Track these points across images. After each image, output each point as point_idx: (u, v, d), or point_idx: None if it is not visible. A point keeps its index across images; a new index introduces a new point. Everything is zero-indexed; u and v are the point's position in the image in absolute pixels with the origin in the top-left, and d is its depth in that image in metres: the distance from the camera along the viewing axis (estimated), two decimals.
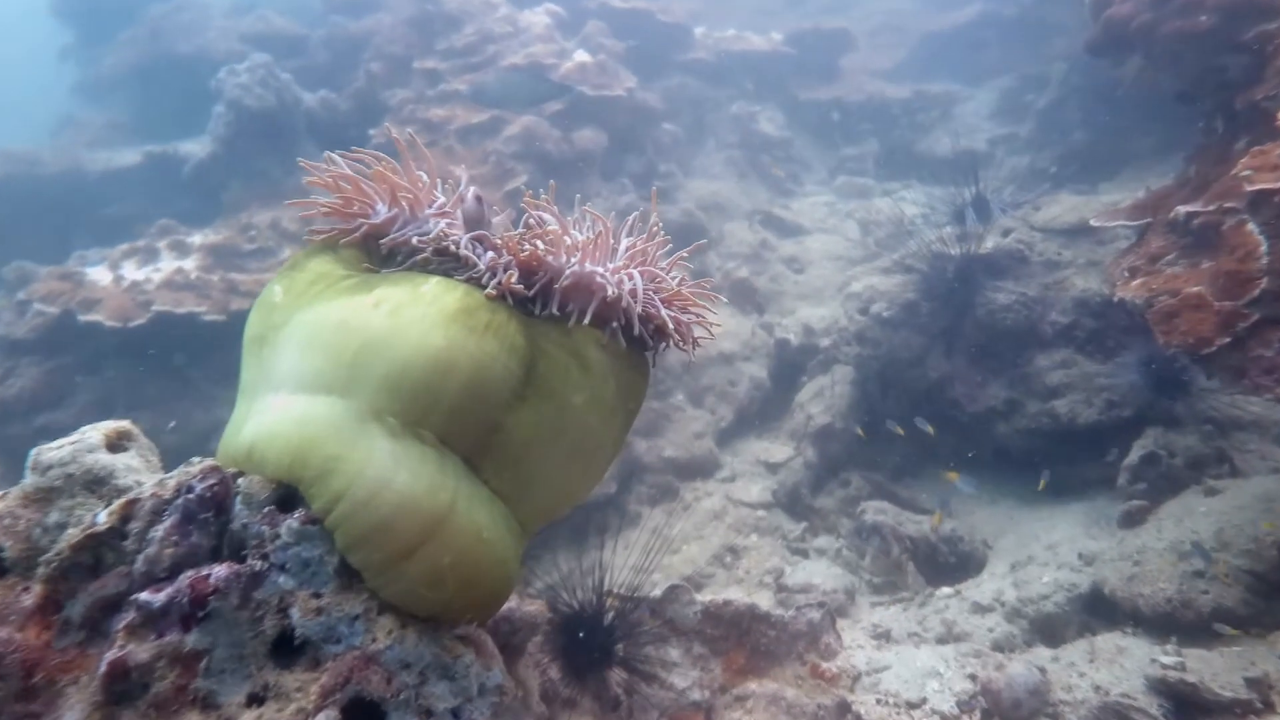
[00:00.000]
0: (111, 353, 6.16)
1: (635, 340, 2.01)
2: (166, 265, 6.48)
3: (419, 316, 1.79)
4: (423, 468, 1.74)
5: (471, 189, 2.04)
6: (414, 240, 1.99)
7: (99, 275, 6.35)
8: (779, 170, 8.99)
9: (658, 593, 3.83)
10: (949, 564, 4.74)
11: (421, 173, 2.15)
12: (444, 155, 7.27)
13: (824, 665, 3.69)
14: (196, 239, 6.86)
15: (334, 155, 2.17)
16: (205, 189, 8.06)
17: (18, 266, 6.86)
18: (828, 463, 5.65)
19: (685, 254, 2.23)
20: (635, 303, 1.96)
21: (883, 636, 4.11)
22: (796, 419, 5.85)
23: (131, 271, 6.40)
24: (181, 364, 5.87)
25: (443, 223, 2.02)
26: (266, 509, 1.71)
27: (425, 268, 2.01)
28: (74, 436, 1.84)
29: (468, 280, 1.91)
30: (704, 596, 4.01)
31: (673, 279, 2.17)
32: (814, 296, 6.92)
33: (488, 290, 1.86)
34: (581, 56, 8.05)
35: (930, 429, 5.02)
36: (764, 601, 4.22)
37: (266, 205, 7.58)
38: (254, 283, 6.40)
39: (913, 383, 5.47)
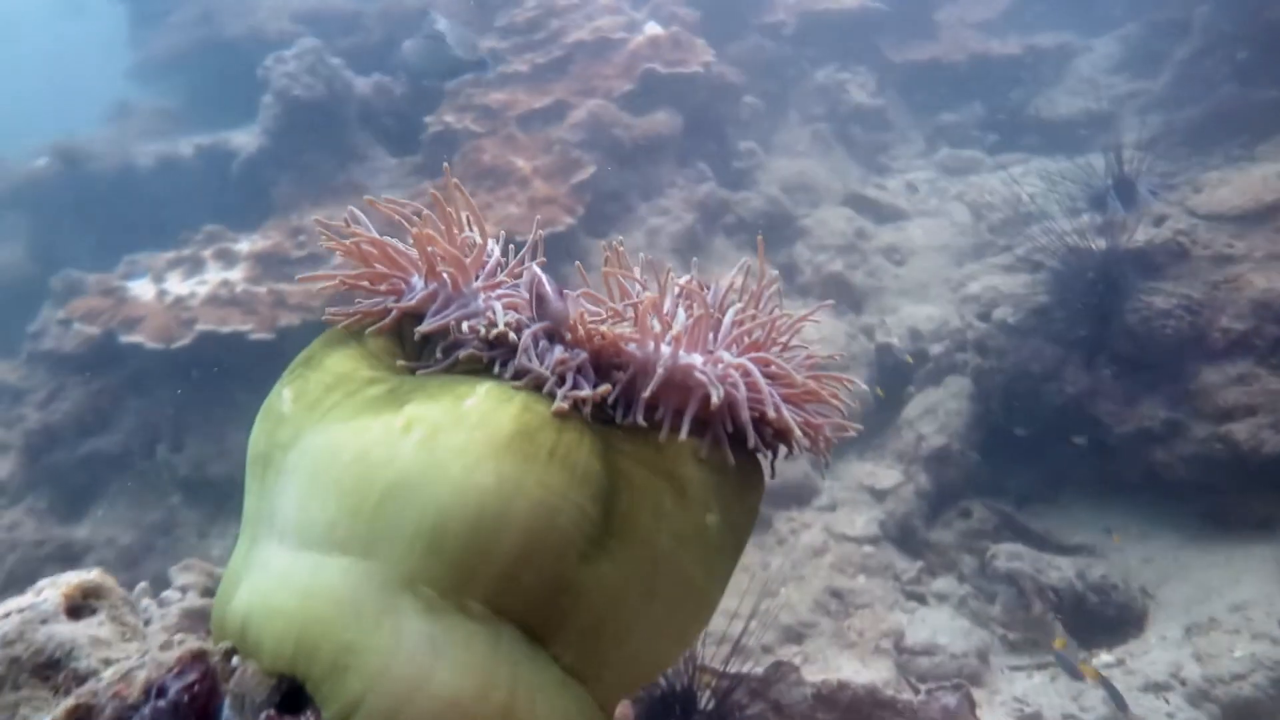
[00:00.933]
0: (158, 373, 5.96)
1: (744, 444, 1.55)
2: (213, 277, 6.24)
3: (461, 446, 1.35)
4: (469, 656, 1.31)
5: (536, 270, 1.60)
6: (458, 328, 1.56)
7: (142, 290, 6.14)
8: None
9: (758, 669, 3.39)
10: (1103, 618, 4.17)
11: (471, 231, 1.71)
12: (504, 144, 6.86)
13: None
14: (244, 246, 6.61)
15: (356, 212, 1.75)
16: (255, 186, 7.84)
17: (65, 276, 6.72)
18: (943, 490, 5.11)
19: (811, 317, 1.77)
20: (746, 406, 1.49)
21: (1032, 719, 3.58)
22: (905, 439, 5.30)
23: (176, 284, 6.18)
24: (229, 385, 5.63)
25: (495, 303, 1.58)
26: (264, 714, 1.31)
27: (472, 362, 1.58)
28: (27, 598, 1.46)
29: (528, 383, 1.47)
30: (813, 670, 3.55)
31: (796, 358, 1.69)
32: (917, 292, 6.32)
33: (556, 404, 1.41)
34: (653, 29, 7.53)
35: (1080, 440, 4.46)
36: (882, 670, 3.74)
37: (317, 204, 7.31)
38: (303, 295, 6.12)
39: (1044, 399, 4.87)
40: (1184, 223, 4.75)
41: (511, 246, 1.82)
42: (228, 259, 6.45)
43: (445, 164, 1.85)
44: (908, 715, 3.39)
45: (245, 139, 8.28)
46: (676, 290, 1.68)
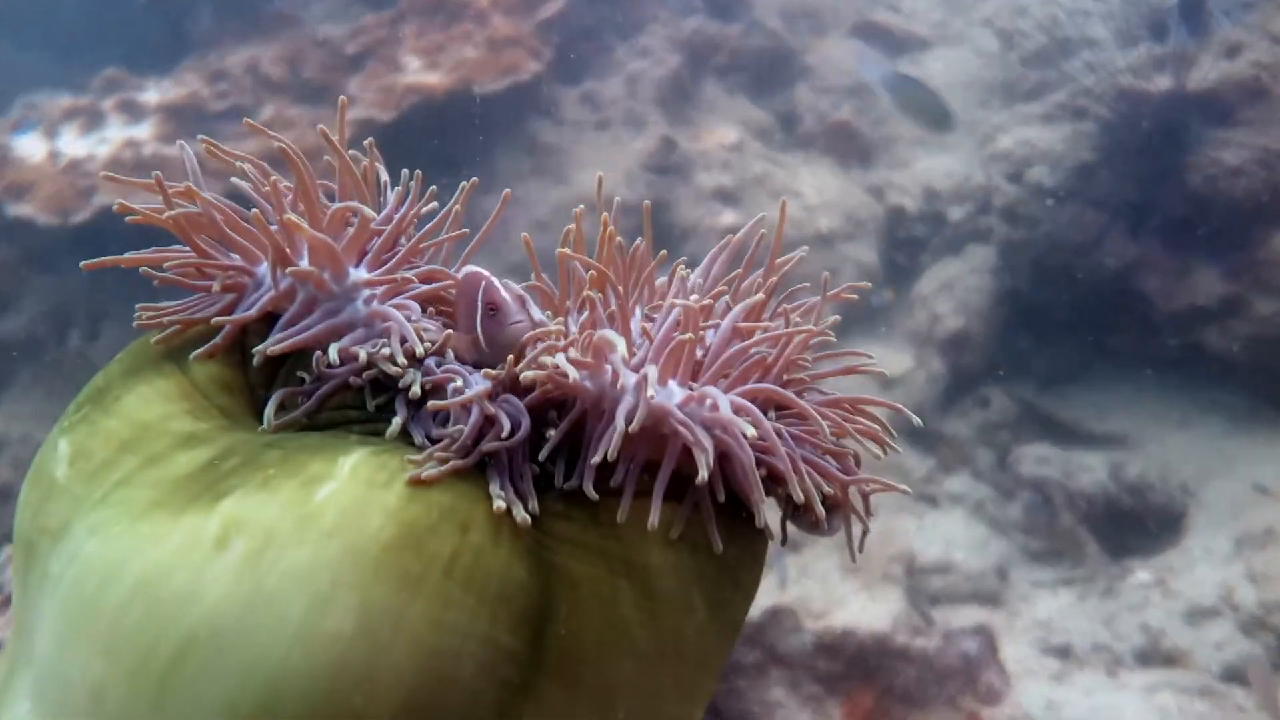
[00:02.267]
0: (62, 249, 5.40)
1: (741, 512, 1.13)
2: (115, 134, 5.57)
3: (306, 568, 0.93)
4: None
5: (482, 272, 1.13)
6: (321, 361, 1.09)
7: (31, 148, 5.48)
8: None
9: (754, 616, 3.11)
10: (1139, 524, 3.89)
11: (354, 203, 1.19)
12: None
13: (984, 713, 2.97)
14: (152, 96, 5.88)
15: (186, 146, 1.27)
16: (166, 17, 6.97)
17: None
18: (959, 376, 4.76)
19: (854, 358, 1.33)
20: (753, 471, 1.06)
21: (1060, 653, 3.35)
22: (918, 318, 4.89)
23: (71, 142, 5.52)
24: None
25: (390, 311, 1.09)
26: None
27: (347, 405, 1.12)
28: None
29: (433, 455, 1.03)
30: (814, 607, 3.28)
31: (816, 370, 1.25)
32: (935, 141, 5.72)
33: (495, 503, 0.97)
34: None
35: None
36: (891, 601, 3.47)
37: (244, 40, 6.50)
38: (228, 159, 5.47)
39: (1082, 273, 4.42)
40: (1266, 53, 4.13)
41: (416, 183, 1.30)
42: (133, 112, 5.74)
43: (342, 99, 1.30)
44: (921, 663, 3.15)
45: None
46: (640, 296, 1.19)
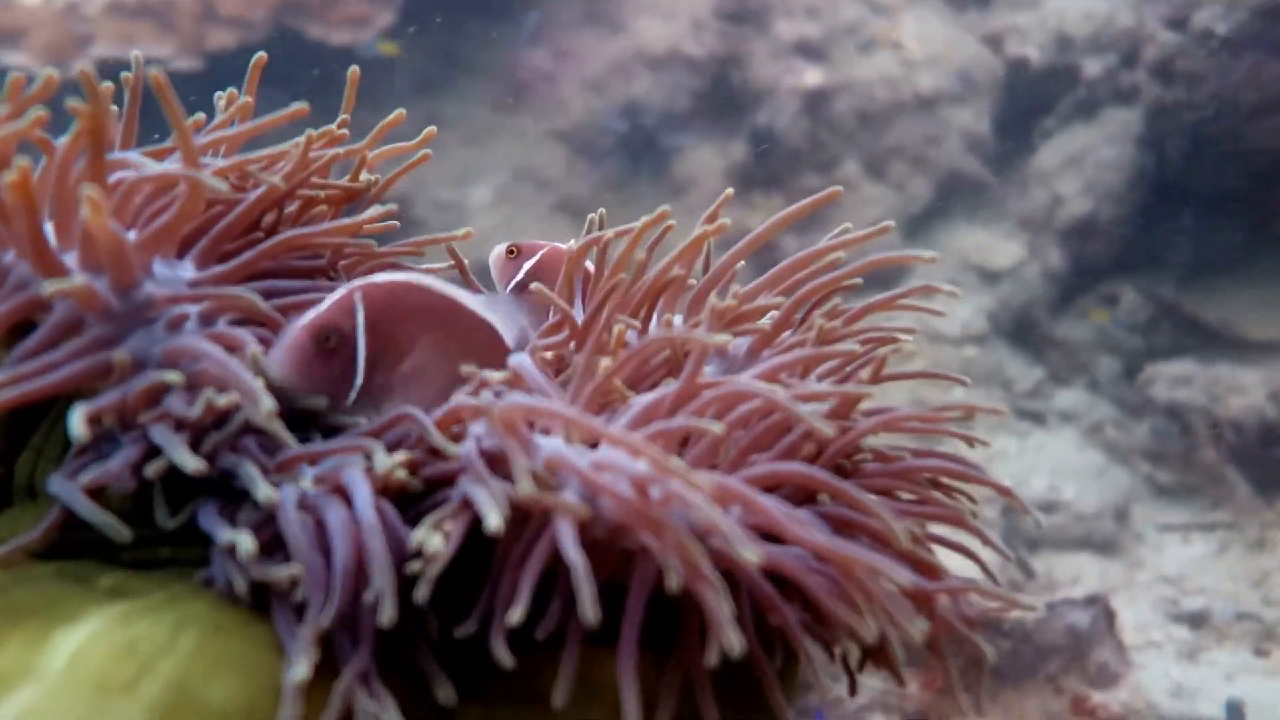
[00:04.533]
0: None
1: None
2: None
3: None
4: None
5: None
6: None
7: None
8: None
9: None
10: None
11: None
12: None
13: (1095, 699, 2.39)
14: None
15: None
16: None
17: None
18: (1082, 269, 4.13)
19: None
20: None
21: (1194, 620, 2.72)
22: (1034, 198, 4.19)
23: None
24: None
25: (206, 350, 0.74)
26: None
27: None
28: None
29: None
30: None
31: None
32: None
33: None
34: None
35: None
36: (980, 545, 2.88)
37: None
38: (245, 2, 4.91)
39: (1253, 143, 3.60)
40: None
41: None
42: None
43: None
44: (1017, 635, 2.57)
45: None
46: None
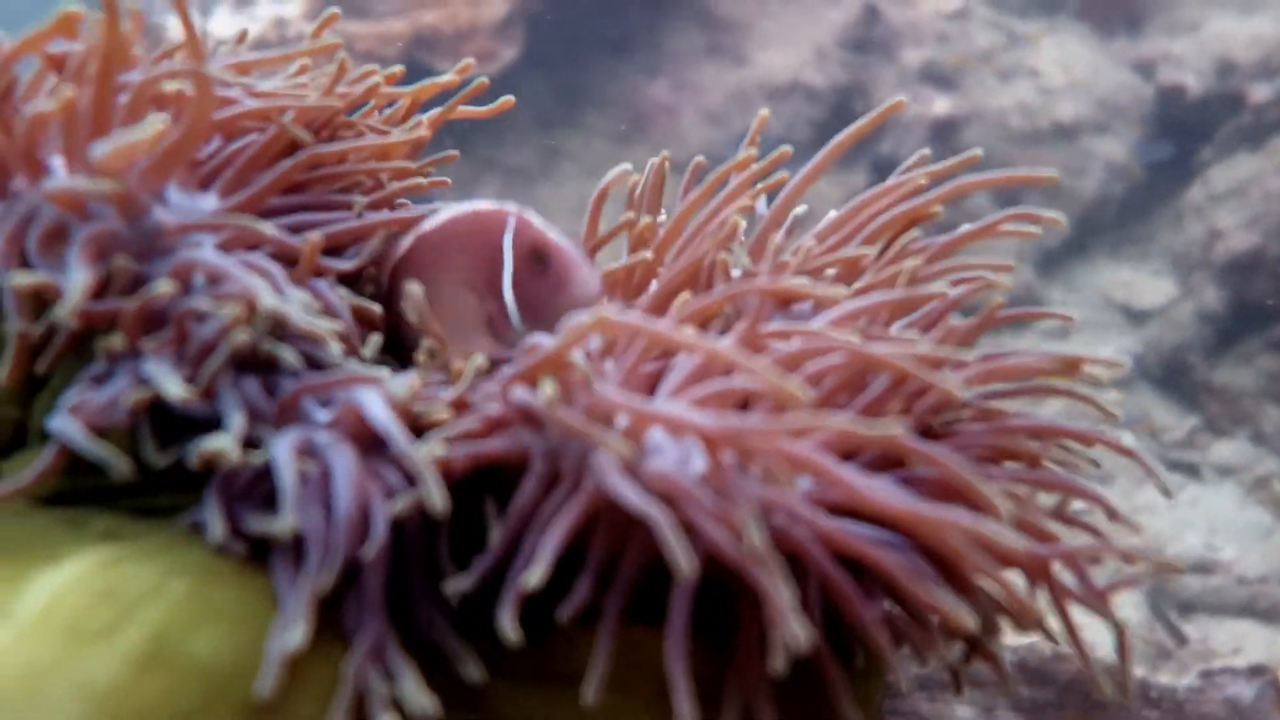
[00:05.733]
0: None
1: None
2: (264, 12, 5.31)
3: None
4: None
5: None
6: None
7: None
8: None
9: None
10: None
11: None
12: None
13: None
14: None
15: None
16: None
17: None
18: (1243, 311, 3.81)
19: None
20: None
21: None
22: (1189, 232, 3.95)
23: (222, 22, 5.30)
24: None
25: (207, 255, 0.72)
26: None
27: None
28: None
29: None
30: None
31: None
32: None
33: None
34: None
35: None
36: (1126, 604, 2.61)
37: None
38: (377, 38, 5.10)
39: None
40: None
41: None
42: None
43: None
44: (1168, 706, 2.28)
45: None
46: None
